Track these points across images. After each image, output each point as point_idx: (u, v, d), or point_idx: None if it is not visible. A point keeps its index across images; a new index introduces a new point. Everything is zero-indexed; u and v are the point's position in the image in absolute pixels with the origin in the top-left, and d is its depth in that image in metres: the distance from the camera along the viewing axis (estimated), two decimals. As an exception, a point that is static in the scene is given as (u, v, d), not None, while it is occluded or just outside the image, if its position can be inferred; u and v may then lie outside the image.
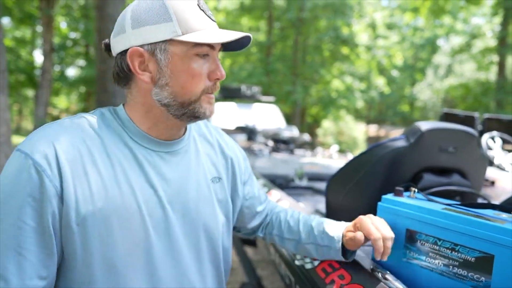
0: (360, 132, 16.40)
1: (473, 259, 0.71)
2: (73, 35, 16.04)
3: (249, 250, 2.08)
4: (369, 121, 21.38)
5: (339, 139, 14.66)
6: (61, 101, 21.57)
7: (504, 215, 0.76)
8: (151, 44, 0.69)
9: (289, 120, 13.87)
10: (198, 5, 0.70)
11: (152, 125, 0.74)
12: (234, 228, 0.99)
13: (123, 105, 0.77)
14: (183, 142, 0.80)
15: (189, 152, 0.81)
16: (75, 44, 16.03)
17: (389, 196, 0.88)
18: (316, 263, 0.97)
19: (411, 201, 0.84)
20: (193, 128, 0.86)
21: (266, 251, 1.47)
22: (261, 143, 4.16)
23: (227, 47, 0.76)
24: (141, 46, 0.69)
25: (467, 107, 14.35)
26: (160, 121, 0.74)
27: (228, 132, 2.32)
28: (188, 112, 0.73)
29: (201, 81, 0.71)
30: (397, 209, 0.84)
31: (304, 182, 2.34)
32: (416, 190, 0.90)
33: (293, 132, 4.74)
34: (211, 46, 0.71)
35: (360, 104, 15.92)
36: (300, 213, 0.98)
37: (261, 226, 1.01)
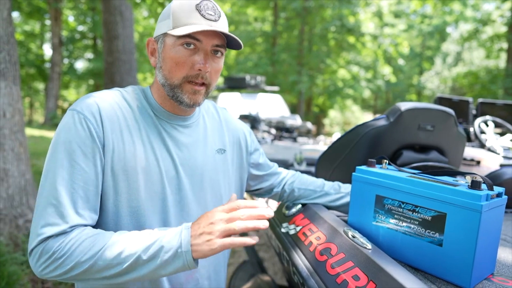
0: (367, 122, 16.29)
1: (429, 218, 0.80)
2: (81, 28, 16.16)
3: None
4: (376, 111, 21.24)
5: (346, 129, 14.64)
6: (71, 94, 21.86)
7: (461, 181, 0.85)
8: (157, 36, 0.88)
9: (295, 110, 13.89)
10: (196, 5, 0.83)
11: (163, 100, 0.91)
12: (254, 191, 1.16)
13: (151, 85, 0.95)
14: (193, 118, 0.96)
15: (199, 126, 0.97)
16: (83, 37, 16.17)
17: (363, 167, 0.97)
18: (298, 228, 1.07)
19: (381, 170, 0.93)
20: (202, 107, 1.02)
21: (266, 234, 1.56)
22: (264, 131, 4.24)
23: (229, 44, 0.88)
24: (155, 37, 0.89)
25: (475, 95, 14.18)
26: (166, 98, 0.90)
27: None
28: (174, 95, 0.87)
29: (183, 69, 0.84)
30: (368, 178, 0.93)
31: (303, 167, 2.41)
32: (387, 161, 0.99)
33: (296, 120, 4.81)
34: (196, 38, 0.82)
35: (366, 93, 15.82)
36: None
37: (275, 185, 1.17)
